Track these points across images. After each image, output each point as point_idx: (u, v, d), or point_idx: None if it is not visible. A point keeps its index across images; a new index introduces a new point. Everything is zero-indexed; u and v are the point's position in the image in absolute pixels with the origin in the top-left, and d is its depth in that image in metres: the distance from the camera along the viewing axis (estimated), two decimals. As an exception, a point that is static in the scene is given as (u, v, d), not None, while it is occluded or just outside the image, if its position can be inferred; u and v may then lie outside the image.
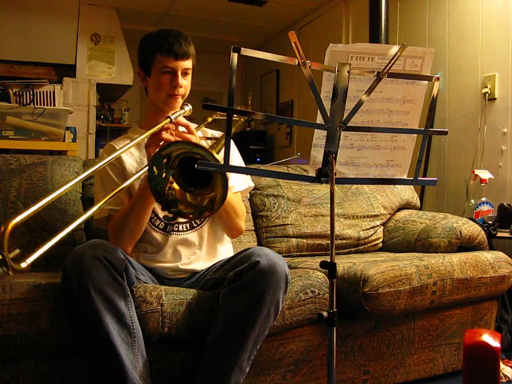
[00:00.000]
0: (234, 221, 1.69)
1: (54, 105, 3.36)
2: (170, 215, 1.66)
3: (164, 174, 1.35)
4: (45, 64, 4.03)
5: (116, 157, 1.35)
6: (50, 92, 3.37)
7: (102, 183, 1.70)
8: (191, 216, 1.43)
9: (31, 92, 3.23)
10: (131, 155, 1.73)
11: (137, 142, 1.41)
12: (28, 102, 3.20)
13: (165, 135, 1.48)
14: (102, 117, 5.20)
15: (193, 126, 1.60)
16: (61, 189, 1.12)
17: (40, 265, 1.87)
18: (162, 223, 1.70)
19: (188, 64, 1.68)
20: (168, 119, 1.52)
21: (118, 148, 1.71)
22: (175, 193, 1.38)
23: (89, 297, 1.31)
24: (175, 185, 1.38)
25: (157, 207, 1.68)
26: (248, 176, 1.85)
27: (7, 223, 1.01)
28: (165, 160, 1.34)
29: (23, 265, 1.00)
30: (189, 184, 1.39)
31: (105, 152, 1.78)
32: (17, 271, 0.98)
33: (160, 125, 1.49)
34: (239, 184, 1.76)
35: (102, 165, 1.31)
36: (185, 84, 1.69)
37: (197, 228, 1.72)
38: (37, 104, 3.22)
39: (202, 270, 1.71)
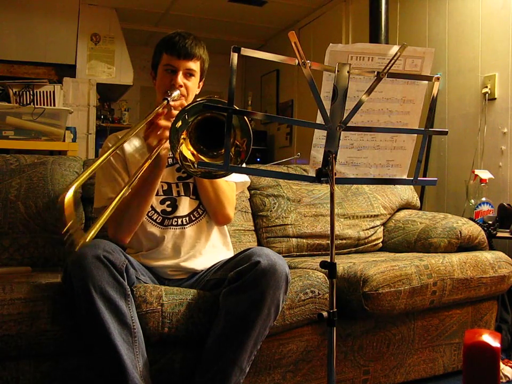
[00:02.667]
0: (222, 205, 1.69)
1: (54, 105, 3.36)
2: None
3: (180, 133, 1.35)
4: (45, 64, 4.03)
5: (120, 145, 1.35)
6: (50, 91, 3.37)
7: (102, 169, 1.70)
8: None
9: (31, 92, 3.23)
10: (134, 146, 1.73)
11: (136, 130, 1.42)
12: (28, 102, 3.20)
13: (162, 121, 1.51)
14: (102, 117, 5.21)
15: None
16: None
17: (40, 265, 1.88)
18: (160, 217, 1.70)
19: (192, 65, 1.67)
20: (165, 101, 1.53)
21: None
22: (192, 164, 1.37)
23: (90, 297, 1.31)
24: (186, 152, 1.37)
25: (155, 200, 1.69)
26: None
27: (64, 194, 1.01)
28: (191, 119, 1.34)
29: (88, 238, 1.01)
30: (208, 148, 1.40)
31: (109, 141, 1.77)
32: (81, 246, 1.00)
33: (156, 109, 1.50)
34: (234, 175, 1.75)
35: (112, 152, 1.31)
36: (187, 84, 1.68)
37: (195, 221, 1.72)
38: (37, 104, 3.22)
39: (202, 271, 1.71)
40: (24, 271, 1.78)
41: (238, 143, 1.28)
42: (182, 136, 1.35)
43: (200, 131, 1.38)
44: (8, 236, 1.89)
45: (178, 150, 1.35)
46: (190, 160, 1.37)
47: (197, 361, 1.50)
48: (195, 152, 1.38)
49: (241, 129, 1.26)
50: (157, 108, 1.52)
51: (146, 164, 1.45)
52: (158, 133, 1.51)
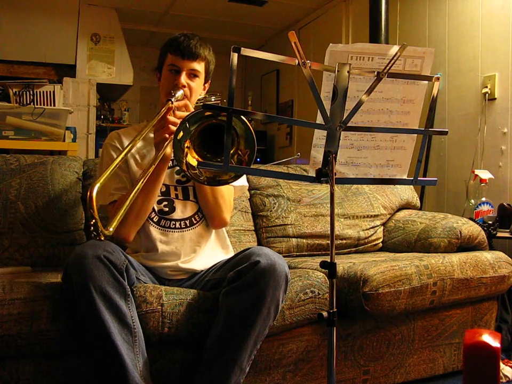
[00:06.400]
0: (219, 209, 1.70)
1: (54, 105, 3.36)
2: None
3: (184, 141, 1.36)
4: (45, 64, 4.03)
5: (128, 149, 1.35)
6: (50, 92, 3.37)
7: (104, 167, 1.69)
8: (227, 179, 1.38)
9: (31, 92, 3.23)
10: (135, 147, 1.72)
11: (144, 133, 1.41)
12: (28, 102, 3.20)
13: (171, 118, 1.55)
14: (102, 117, 5.21)
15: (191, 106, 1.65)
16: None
17: (40, 265, 1.88)
18: (156, 216, 1.70)
19: (196, 65, 1.68)
20: (170, 102, 1.55)
21: (123, 137, 1.74)
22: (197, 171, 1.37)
23: (90, 296, 1.31)
24: (191, 161, 1.37)
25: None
26: (243, 176, 1.85)
27: (91, 188, 1.07)
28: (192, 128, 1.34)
29: (110, 229, 1.10)
30: (213, 155, 1.40)
31: (110, 139, 1.77)
32: (106, 237, 1.08)
33: (164, 109, 1.52)
34: None
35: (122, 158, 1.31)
36: (191, 85, 1.68)
37: (196, 225, 1.72)
38: (37, 104, 3.22)
39: (202, 271, 1.71)
40: (24, 271, 1.78)
41: (240, 152, 1.28)
42: (186, 145, 1.35)
43: (203, 138, 1.38)
44: (8, 235, 1.89)
45: (184, 161, 1.35)
46: (195, 167, 1.37)
47: (197, 361, 1.50)
48: (200, 159, 1.38)
49: (245, 140, 1.26)
50: (162, 109, 1.52)
51: (156, 161, 1.47)
52: (166, 128, 1.54)
